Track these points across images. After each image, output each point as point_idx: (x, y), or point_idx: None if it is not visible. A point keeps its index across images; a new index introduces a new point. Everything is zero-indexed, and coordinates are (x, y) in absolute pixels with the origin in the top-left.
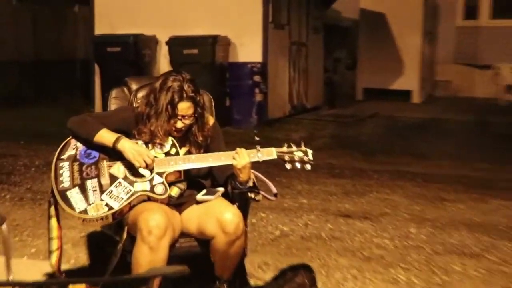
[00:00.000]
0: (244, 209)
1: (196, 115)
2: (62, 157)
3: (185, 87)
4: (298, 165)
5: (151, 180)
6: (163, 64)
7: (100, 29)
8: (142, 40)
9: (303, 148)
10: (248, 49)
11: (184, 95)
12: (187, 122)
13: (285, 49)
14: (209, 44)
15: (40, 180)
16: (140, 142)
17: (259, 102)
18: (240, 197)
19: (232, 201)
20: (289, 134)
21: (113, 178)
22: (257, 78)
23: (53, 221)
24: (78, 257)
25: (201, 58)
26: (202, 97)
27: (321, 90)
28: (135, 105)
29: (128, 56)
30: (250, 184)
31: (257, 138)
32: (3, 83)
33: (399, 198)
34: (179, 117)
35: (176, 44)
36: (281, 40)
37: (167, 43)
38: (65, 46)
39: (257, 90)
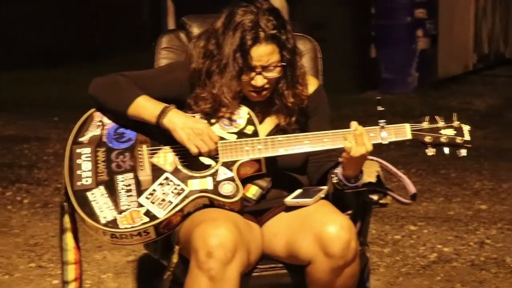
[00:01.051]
0: (363, 219)
1: (283, 63)
2: (81, 139)
3: (262, 21)
4: (446, 150)
5: (214, 175)
6: None
7: None
8: None
9: (456, 123)
10: None
11: (261, 34)
12: (271, 75)
13: None
14: None
15: None
16: (198, 115)
17: (423, 52)
18: (355, 199)
19: (343, 206)
20: (470, 100)
21: (157, 172)
22: (420, 12)
23: (68, 238)
24: None
25: None
26: (291, 35)
27: None
28: (193, 61)
29: None
30: (369, 178)
31: (380, 108)
32: (36, 32)
33: None
34: (258, 70)
35: None
36: None
37: None
38: None
39: (420, 33)
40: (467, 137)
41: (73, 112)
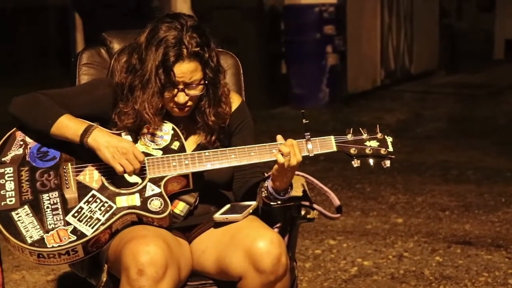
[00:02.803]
0: (290, 234)
1: (206, 81)
2: (3, 159)
3: (186, 38)
4: (371, 161)
5: (142, 191)
6: (181, 9)
7: None
8: None
9: (379, 134)
10: None
11: (184, 51)
12: (193, 93)
13: None
14: None
15: None
16: (123, 133)
17: (332, 68)
18: (283, 214)
19: (271, 221)
20: (380, 115)
21: (83, 190)
22: (329, 29)
23: None
24: None
25: (241, 0)
26: (215, 54)
27: (435, 46)
28: (116, 75)
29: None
30: (296, 192)
31: (305, 121)
32: None
33: None
34: (180, 86)
35: None
36: None
37: None
38: None
39: (329, 49)
40: (390, 148)
41: None
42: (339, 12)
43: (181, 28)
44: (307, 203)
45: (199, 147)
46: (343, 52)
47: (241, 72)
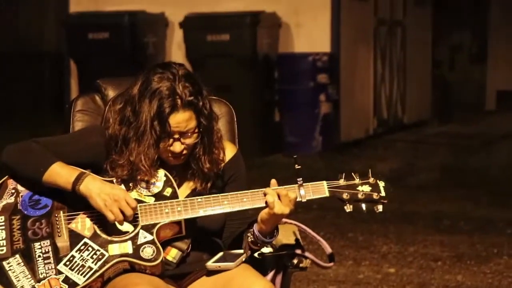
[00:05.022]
0: (283, 283)
1: (200, 129)
2: None
3: (179, 88)
4: (363, 206)
5: (134, 238)
6: (176, 57)
7: (78, 4)
8: (143, 21)
9: (371, 179)
10: (309, 33)
11: (179, 101)
12: (189, 141)
13: (368, 32)
14: (247, 25)
15: None
16: (115, 180)
17: (325, 116)
18: (275, 263)
19: (263, 269)
20: (373, 164)
21: (75, 238)
22: (322, 78)
23: None
24: None
25: (235, 49)
26: (208, 101)
27: (427, 96)
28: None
29: (122, 46)
30: (288, 240)
31: (297, 166)
32: None
33: None
34: (176, 136)
35: (196, 27)
36: (361, 18)
37: (182, 25)
38: (25, 32)
39: (322, 97)
40: (382, 193)
41: None
42: (333, 61)
43: (173, 78)
44: (299, 252)
45: (194, 194)
46: (336, 101)
47: (235, 119)
